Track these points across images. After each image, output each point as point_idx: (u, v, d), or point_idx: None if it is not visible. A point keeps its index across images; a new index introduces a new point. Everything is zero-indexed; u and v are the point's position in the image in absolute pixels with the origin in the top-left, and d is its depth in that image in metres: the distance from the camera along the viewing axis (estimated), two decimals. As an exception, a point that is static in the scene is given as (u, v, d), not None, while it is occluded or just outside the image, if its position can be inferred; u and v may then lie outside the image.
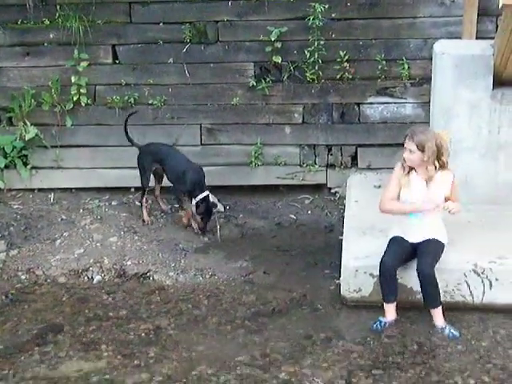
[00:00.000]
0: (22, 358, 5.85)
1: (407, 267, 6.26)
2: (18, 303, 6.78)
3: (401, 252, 6.22)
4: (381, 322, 6.13)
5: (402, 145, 6.22)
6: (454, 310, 6.16)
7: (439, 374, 5.51)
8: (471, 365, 5.61)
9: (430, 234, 6.25)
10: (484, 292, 6.25)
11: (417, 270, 6.05)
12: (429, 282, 6.00)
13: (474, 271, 6.23)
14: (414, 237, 6.26)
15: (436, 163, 6.11)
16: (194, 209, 7.87)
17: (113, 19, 8.52)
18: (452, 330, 5.99)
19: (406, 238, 6.27)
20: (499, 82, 7.09)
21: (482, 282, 6.23)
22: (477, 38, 7.88)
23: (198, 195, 7.78)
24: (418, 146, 6.06)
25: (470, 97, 7.11)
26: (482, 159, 7.25)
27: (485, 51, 7.08)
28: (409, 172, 6.24)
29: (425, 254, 6.13)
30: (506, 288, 6.22)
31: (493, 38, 7.17)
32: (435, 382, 5.42)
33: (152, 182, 8.22)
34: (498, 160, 7.25)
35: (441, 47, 7.25)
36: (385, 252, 6.19)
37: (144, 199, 8.14)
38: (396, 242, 6.28)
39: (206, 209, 7.82)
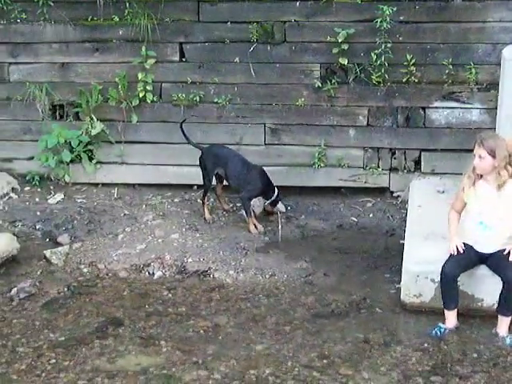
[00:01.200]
0: (83, 349, 5.92)
1: (471, 275, 6.19)
2: (79, 296, 6.86)
3: (463, 260, 6.12)
4: (440, 328, 6.07)
5: (467, 150, 6.13)
6: (515, 320, 6.09)
7: (499, 383, 5.44)
8: (531, 375, 5.55)
9: (501, 244, 6.10)
10: (547, 302, 6.16)
11: (502, 278, 5.95)
12: None
13: (538, 281, 6.14)
14: (483, 247, 6.15)
15: (509, 168, 5.98)
16: (267, 208, 8.25)
17: (181, 17, 8.59)
18: (513, 340, 5.94)
19: (474, 247, 6.17)
20: None
21: (546, 291, 6.14)
22: (547, 44, 7.77)
23: (271, 196, 8.08)
24: (488, 152, 5.93)
25: (539, 103, 7.02)
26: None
27: (555, 57, 6.98)
28: (474, 182, 6.12)
29: (508, 263, 5.98)
30: None
31: None
32: (495, 392, 5.38)
33: (214, 181, 8.26)
34: None
35: (510, 53, 7.14)
36: (447, 259, 6.12)
37: (206, 198, 8.20)
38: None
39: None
